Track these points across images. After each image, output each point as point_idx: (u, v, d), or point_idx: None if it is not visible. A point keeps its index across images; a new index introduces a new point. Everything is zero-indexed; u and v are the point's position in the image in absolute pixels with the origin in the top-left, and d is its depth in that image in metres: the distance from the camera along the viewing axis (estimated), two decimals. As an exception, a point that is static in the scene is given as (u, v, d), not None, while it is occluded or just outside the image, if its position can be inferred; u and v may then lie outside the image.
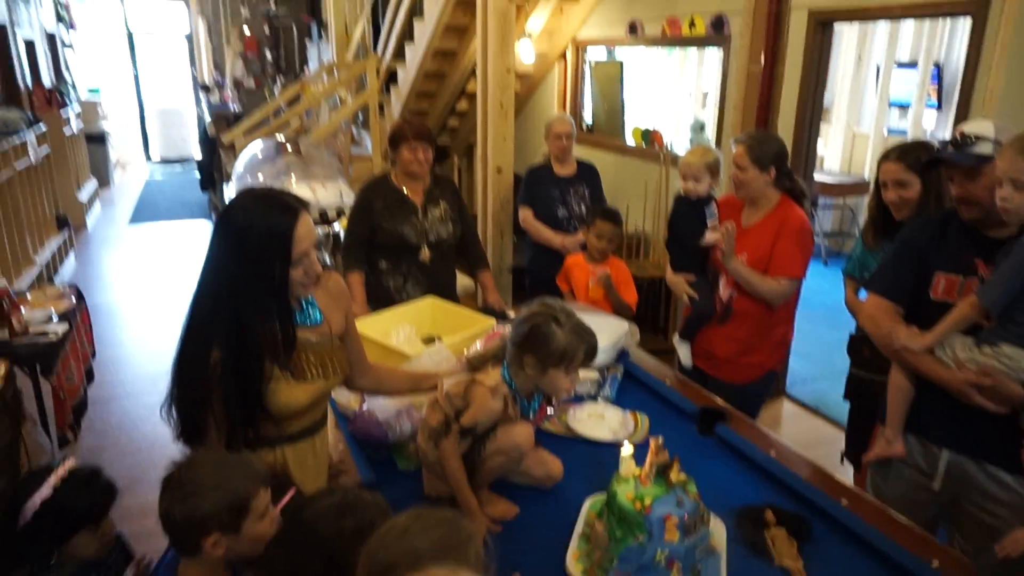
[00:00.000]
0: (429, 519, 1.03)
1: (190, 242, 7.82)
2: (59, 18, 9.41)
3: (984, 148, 1.71)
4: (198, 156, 10.43)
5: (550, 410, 2.03)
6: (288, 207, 1.47)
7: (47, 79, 8.37)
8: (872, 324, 1.95)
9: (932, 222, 1.90)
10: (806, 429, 3.75)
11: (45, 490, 1.66)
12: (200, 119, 11.43)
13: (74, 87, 9.56)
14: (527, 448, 1.70)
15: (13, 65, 7.17)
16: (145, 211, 9.18)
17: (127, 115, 12.73)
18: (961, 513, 1.86)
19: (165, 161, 13.16)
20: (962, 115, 2.98)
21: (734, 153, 2.48)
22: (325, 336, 1.63)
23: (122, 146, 12.28)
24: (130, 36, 12.58)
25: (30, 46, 7.91)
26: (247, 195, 1.52)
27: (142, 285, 6.29)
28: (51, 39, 9.00)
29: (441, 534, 1.00)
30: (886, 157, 2.18)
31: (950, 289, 1.81)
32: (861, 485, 2.09)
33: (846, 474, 2.34)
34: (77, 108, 8.86)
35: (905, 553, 1.47)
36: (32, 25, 8.05)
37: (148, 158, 13.23)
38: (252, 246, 1.43)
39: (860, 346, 2.40)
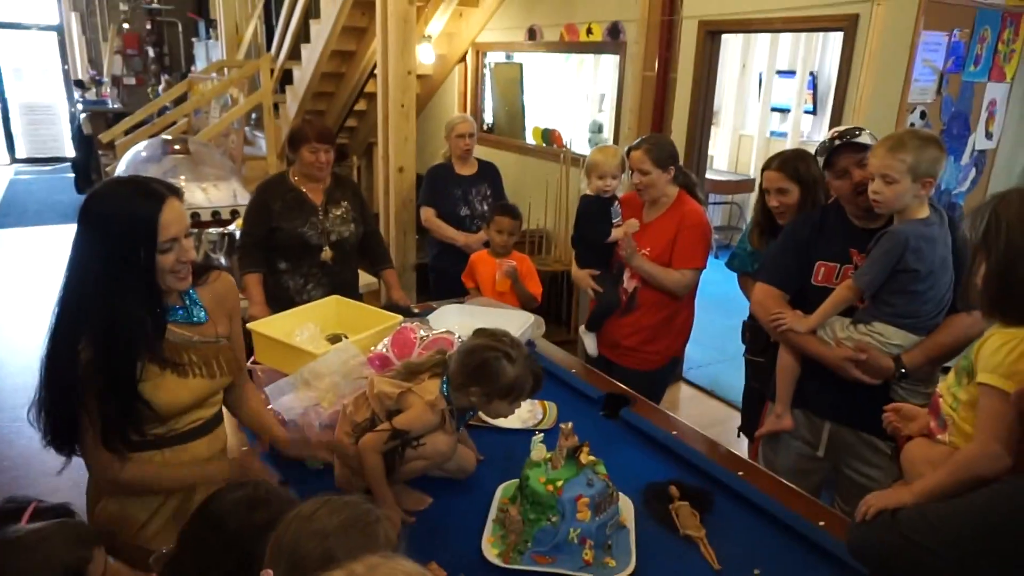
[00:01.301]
0: (336, 503, 1.02)
1: (63, 249, 7.26)
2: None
3: (865, 139, 1.92)
4: (70, 155, 9.75)
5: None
6: (153, 192, 1.42)
7: None
8: (761, 309, 2.10)
9: (812, 217, 2.09)
10: (704, 410, 3.94)
11: None
12: (74, 117, 10.66)
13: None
14: (449, 457, 1.69)
15: None
16: (11, 215, 8.45)
17: (-12, 111, 11.72)
18: (842, 478, 2.05)
19: (32, 160, 12.18)
20: (836, 119, 3.23)
21: (633, 159, 2.57)
22: (210, 336, 1.59)
23: (-18, 145, 11.30)
24: (-9, 27, 11.61)
25: None
26: (111, 182, 1.48)
27: (9, 294, 5.81)
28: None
29: (348, 515, 0.99)
30: (767, 166, 2.34)
31: (829, 276, 1.99)
32: (755, 457, 2.24)
33: (741, 448, 2.48)
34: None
35: (795, 517, 1.59)
36: None
37: (13, 157, 12.21)
38: (116, 233, 1.38)
39: (746, 331, 2.56)
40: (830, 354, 1.93)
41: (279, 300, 2.81)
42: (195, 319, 1.56)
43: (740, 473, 1.76)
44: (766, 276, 2.13)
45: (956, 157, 3.22)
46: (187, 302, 1.55)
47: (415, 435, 1.60)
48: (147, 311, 1.43)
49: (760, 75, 7.39)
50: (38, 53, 12.01)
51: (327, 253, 2.88)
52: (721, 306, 3.86)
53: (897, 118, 2.96)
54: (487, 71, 5.92)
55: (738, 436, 2.78)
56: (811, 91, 7.05)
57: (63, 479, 1.51)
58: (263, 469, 1.65)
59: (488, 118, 6.06)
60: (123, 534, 1.53)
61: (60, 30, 11.94)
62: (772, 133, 7.40)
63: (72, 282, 1.42)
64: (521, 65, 5.83)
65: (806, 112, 7.13)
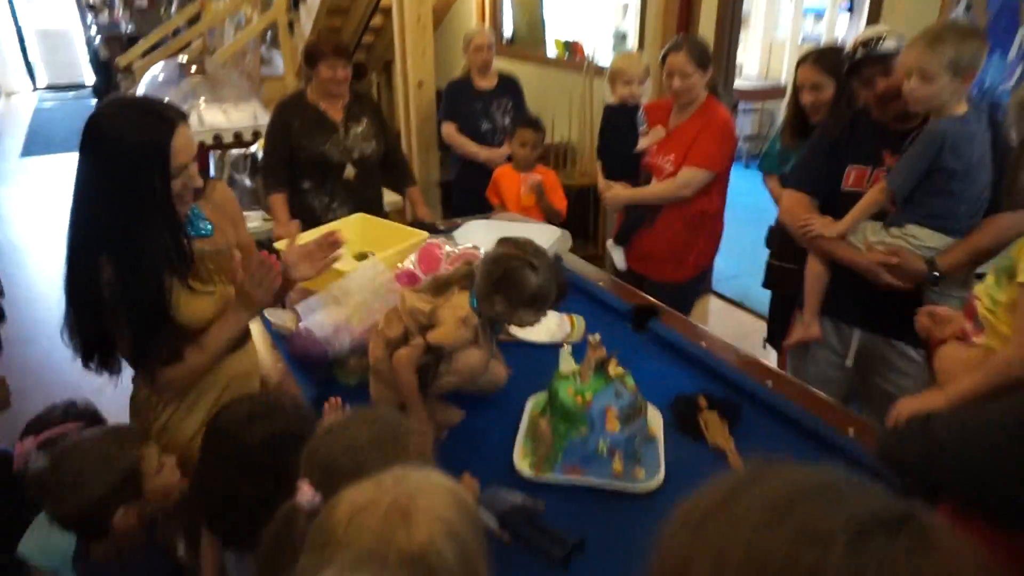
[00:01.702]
0: (367, 415, 1.04)
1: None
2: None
3: (889, 45, 1.82)
4: (91, 81, 9.68)
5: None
6: (163, 117, 1.38)
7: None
8: (789, 216, 2.05)
9: (843, 120, 2.01)
10: (732, 322, 3.94)
11: None
12: (90, 41, 10.52)
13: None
14: (481, 373, 1.71)
15: None
16: (37, 143, 8.51)
17: (3, 38, 11.60)
18: (871, 387, 2.04)
19: (53, 88, 12.13)
20: (874, 18, 3.04)
21: (674, 62, 2.47)
22: (221, 244, 1.60)
23: (3, 72, 11.25)
24: (-2, -51, 11.36)
25: None
26: (116, 103, 1.42)
27: (44, 221, 5.90)
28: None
29: (379, 429, 1.01)
30: (803, 61, 2.26)
31: (860, 180, 1.93)
32: (783, 367, 2.24)
33: (769, 359, 2.48)
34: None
35: (824, 426, 1.59)
36: None
37: (34, 85, 12.17)
38: (127, 158, 1.34)
39: (775, 237, 2.52)
40: (861, 259, 1.89)
41: (305, 219, 2.82)
42: (203, 231, 1.56)
43: (768, 383, 1.76)
44: (795, 182, 2.09)
45: (1003, 52, 3.04)
46: (191, 215, 1.55)
47: (448, 350, 1.62)
48: (168, 235, 1.43)
49: (794, -27, 7.01)
50: (47, -25, 11.78)
51: (350, 171, 2.86)
52: (752, 216, 3.79)
53: (940, 11, 2.78)
54: (506, -22, 5.67)
55: (764, 347, 2.78)
56: (848, -12, 6.67)
57: (110, 398, 1.56)
58: (297, 389, 1.70)
59: (508, 30, 5.85)
60: (176, 451, 1.60)
61: (68, -50, 11.64)
62: (805, 37, 7.07)
63: (83, 205, 1.40)
64: (541, -29, 5.57)
65: (842, 12, 6.76)
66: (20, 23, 11.80)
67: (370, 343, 1.73)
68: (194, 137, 1.46)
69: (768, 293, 2.72)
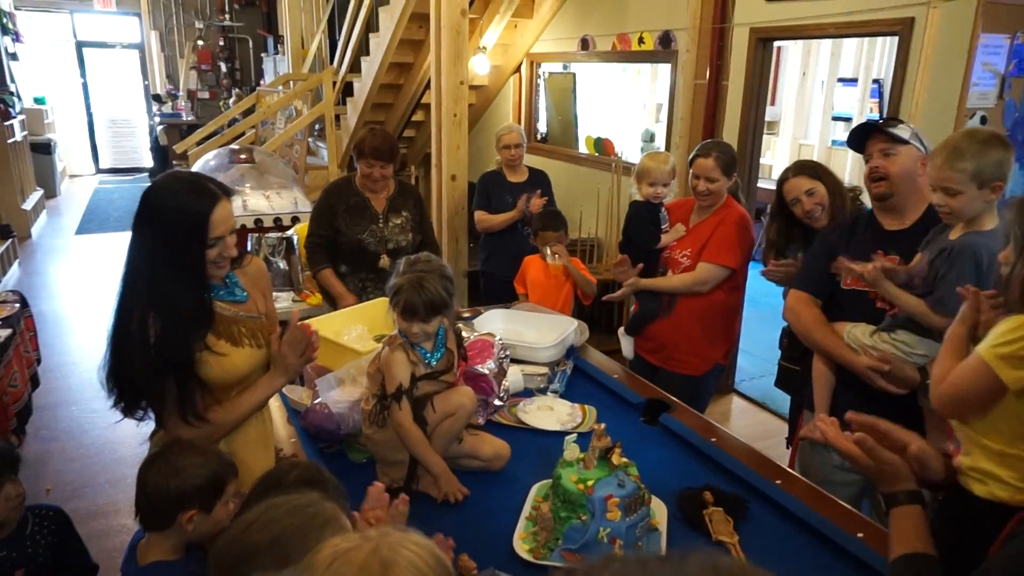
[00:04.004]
0: (281, 504, 1.06)
1: (141, 253, 7.67)
2: (4, 30, 9.18)
3: (903, 132, 1.90)
4: (149, 165, 10.24)
5: (498, 402, 2.07)
6: (208, 191, 1.53)
7: (-9, 89, 8.16)
8: (793, 317, 2.12)
9: (843, 225, 2.12)
10: (754, 423, 3.88)
11: None
12: (151, 129, 11.23)
13: (18, 96, 9.32)
14: (471, 406, 1.78)
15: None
16: (93, 221, 8.96)
17: (75, 125, 12.42)
18: (875, 490, 2.00)
19: (115, 171, 12.86)
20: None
21: (701, 166, 2.57)
22: (253, 311, 1.71)
23: (70, 156, 11.98)
24: (79, 47, 12.33)
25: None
26: (170, 176, 1.59)
27: (88, 294, 6.15)
28: (-5, 49, 8.78)
29: (301, 516, 1.04)
30: (784, 180, 2.35)
31: (857, 279, 1.97)
32: (792, 467, 2.21)
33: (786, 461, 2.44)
34: (21, 116, 8.65)
35: (833, 527, 1.56)
36: (-25, 35, 7.84)
37: (97, 168, 12.92)
38: (171, 225, 1.50)
39: (784, 338, 2.54)
40: (856, 362, 1.92)
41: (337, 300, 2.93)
42: (238, 298, 1.68)
43: (778, 482, 1.74)
44: (798, 283, 2.16)
45: (1021, 164, 3.10)
46: (228, 282, 1.67)
47: (405, 381, 1.70)
48: (195, 293, 1.55)
49: (822, 82, 7.24)
50: (121, 70, 12.70)
51: (385, 260, 2.98)
52: (774, 317, 3.81)
53: (955, 124, 2.87)
54: (541, 81, 5.97)
55: (787, 448, 2.73)
56: (875, 99, 6.85)
57: (130, 464, 1.62)
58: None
59: (542, 127, 6.11)
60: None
61: (141, 48, 12.60)
62: (834, 142, 7.23)
63: (133, 264, 1.54)
64: (574, 75, 5.86)
65: (869, 118, 6.93)
66: (92, 110, 12.68)
67: (363, 426, 1.79)
68: (236, 220, 1.60)
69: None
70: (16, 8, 9.85)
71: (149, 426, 1.64)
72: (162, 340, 1.50)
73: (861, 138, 1.98)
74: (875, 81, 6.82)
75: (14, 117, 8.05)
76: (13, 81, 9.33)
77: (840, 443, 1.30)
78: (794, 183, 2.31)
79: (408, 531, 0.80)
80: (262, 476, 1.34)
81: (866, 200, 2.38)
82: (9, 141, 7.52)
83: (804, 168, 2.34)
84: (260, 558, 0.99)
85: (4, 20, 9.18)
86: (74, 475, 3.24)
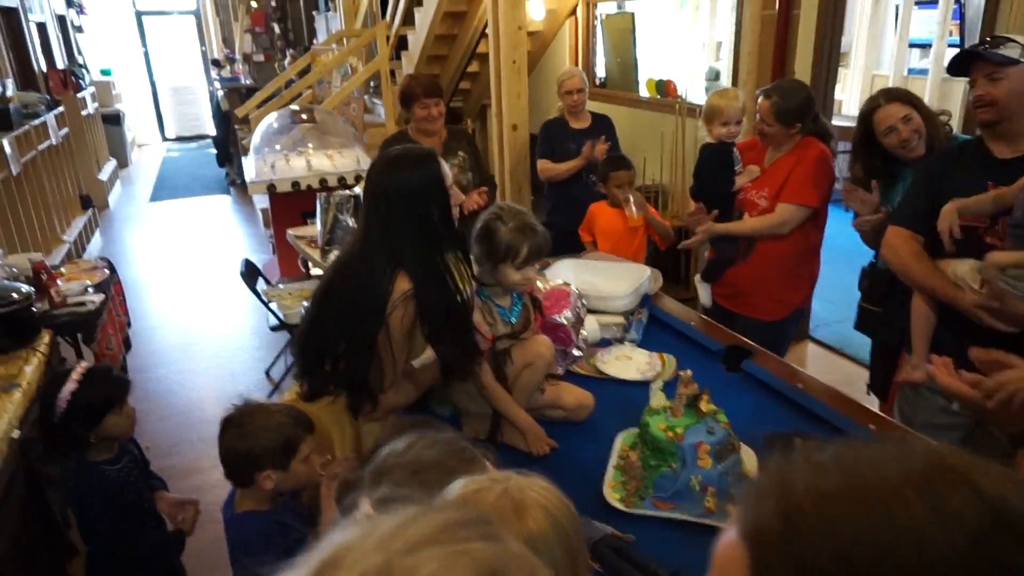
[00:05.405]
0: (429, 439, 1.06)
1: (210, 217, 7.91)
2: (68, 2, 9.42)
3: (1012, 51, 1.74)
4: (212, 132, 10.47)
5: (576, 352, 2.07)
6: (427, 155, 1.70)
7: (60, 61, 8.41)
8: (892, 253, 2.00)
9: (947, 153, 1.98)
10: (831, 369, 3.77)
11: (70, 385, 1.82)
12: (212, 95, 11.43)
13: (87, 69, 9.61)
14: (549, 355, 1.78)
15: (27, 48, 7.20)
16: (164, 189, 9.27)
17: (140, 95, 12.77)
18: (982, 435, 1.90)
19: (180, 139, 13.22)
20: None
21: (760, 106, 2.49)
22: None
23: (137, 125, 12.35)
24: (139, 16, 12.57)
25: (42, 29, 7.94)
26: (384, 161, 1.72)
27: (166, 260, 6.40)
28: (61, 21, 9.02)
29: (441, 450, 1.02)
30: (873, 109, 2.21)
31: (965, 214, 1.84)
32: (889, 413, 2.14)
33: (873, 407, 2.37)
34: (91, 89, 8.93)
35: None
36: (43, 8, 8.06)
37: (163, 136, 13.30)
38: (416, 198, 1.62)
39: (865, 278, 2.43)
40: (961, 299, 1.80)
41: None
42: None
43: (871, 427, 1.69)
44: (898, 219, 2.03)
45: None
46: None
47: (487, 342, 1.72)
48: (456, 252, 1.68)
49: (897, 7, 6.79)
50: (179, 37, 12.93)
51: None
52: (849, 260, 3.65)
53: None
54: (598, 23, 5.79)
55: (868, 394, 2.65)
56: (957, 20, 6.39)
57: (217, 424, 1.68)
58: None
59: (600, 72, 5.95)
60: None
61: (197, 13, 12.78)
62: (910, 71, 6.81)
63: (382, 234, 1.65)
64: (633, 15, 5.65)
65: (950, 45, 6.48)
66: (156, 81, 12.99)
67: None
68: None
69: (868, 339, 2.61)
70: (77, -20, 10.08)
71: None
72: (432, 295, 1.63)
73: (964, 65, 1.84)
74: (957, 1, 6.36)
75: (85, 89, 8.31)
76: (80, 53, 9.61)
77: (954, 386, 1.23)
78: (888, 110, 2.17)
79: (531, 475, 0.80)
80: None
81: (955, 127, 2.25)
82: (83, 113, 7.78)
83: (896, 94, 2.21)
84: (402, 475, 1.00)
85: (67, -8, 9.42)
86: (166, 434, 3.41)
